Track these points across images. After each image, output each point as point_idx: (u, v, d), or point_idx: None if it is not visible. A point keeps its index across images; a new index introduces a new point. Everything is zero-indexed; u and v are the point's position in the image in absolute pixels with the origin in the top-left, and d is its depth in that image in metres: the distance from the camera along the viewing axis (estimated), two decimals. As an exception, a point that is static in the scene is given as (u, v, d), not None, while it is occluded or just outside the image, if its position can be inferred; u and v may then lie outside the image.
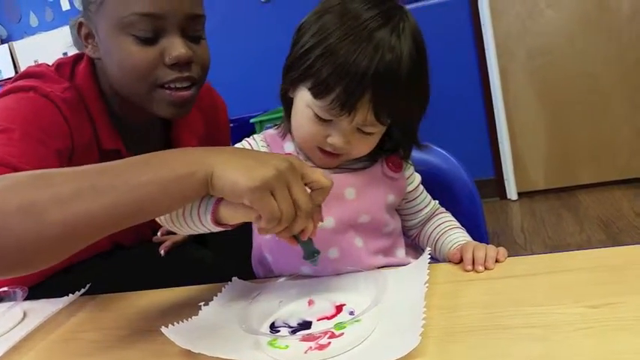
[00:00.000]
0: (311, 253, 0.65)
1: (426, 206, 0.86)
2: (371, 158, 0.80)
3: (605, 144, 2.75)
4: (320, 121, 0.72)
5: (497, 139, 2.85)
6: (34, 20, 3.53)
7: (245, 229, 0.84)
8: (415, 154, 0.97)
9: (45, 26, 3.48)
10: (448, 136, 2.79)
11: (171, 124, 1.05)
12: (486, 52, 2.74)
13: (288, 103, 0.78)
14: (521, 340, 0.51)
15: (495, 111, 2.81)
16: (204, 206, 0.62)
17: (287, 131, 0.80)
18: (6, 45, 3.45)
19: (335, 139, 0.72)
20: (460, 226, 0.85)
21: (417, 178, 0.86)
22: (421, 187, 0.86)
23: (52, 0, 3.46)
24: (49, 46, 3.36)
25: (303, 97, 0.73)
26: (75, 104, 0.91)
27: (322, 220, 0.65)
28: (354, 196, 0.77)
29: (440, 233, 0.83)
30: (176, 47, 0.84)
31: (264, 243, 0.81)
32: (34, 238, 0.55)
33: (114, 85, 0.92)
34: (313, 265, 0.66)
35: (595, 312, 0.53)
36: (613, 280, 0.59)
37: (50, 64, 0.98)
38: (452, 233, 0.82)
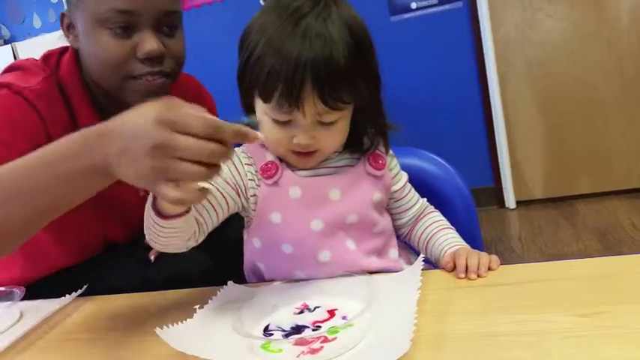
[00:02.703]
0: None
1: (414, 204, 0.86)
2: (353, 156, 0.80)
3: (604, 154, 2.75)
4: (280, 125, 0.72)
5: (496, 147, 2.86)
6: (37, 21, 3.54)
7: (238, 238, 0.84)
8: (412, 161, 0.98)
9: (48, 27, 3.49)
10: (447, 144, 2.81)
11: None
12: (486, 60, 2.75)
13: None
14: (511, 348, 0.51)
15: (494, 119, 2.82)
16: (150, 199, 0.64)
17: None
18: (9, 46, 3.45)
19: (300, 138, 0.72)
20: (450, 225, 0.85)
21: (404, 176, 0.86)
22: (409, 185, 0.86)
23: (56, 1, 3.47)
24: (52, 47, 3.37)
25: (259, 106, 0.74)
26: (51, 94, 0.93)
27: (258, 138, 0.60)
28: (339, 197, 0.77)
29: (430, 234, 0.84)
30: (148, 43, 0.87)
31: (255, 252, 0.81)
32: None
33: (91, 74, 0.95)
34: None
35: (585, 321, 0.54)
36: (603, 290, 0.60)
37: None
38: (442, 234, 0.82)
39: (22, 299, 0.85)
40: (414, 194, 0.87)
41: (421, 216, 0.87)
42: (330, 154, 0.78)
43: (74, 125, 0.95)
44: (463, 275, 0.69)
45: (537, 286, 0.63)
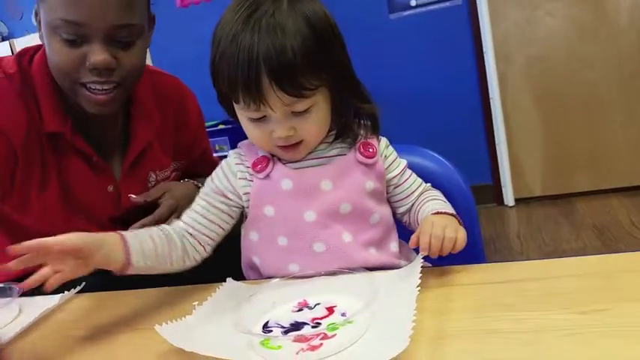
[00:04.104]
0: None
1: (415, 189, 0.83)
2: (343, 145, 0.80)
3: (603, 152, 2.76)
4: (256, 122, 0.73)
5: (494, 144, 2.86)
6: (35, 18, 3.54)
7: (234, 235, 0.85)
8: (411, 158, 0.97)
9: (46, 24, 3.48)
10: (446, 141, 2.80)
11: (130, 115, 1.07)
12: (485, 58, 2.75)
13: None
14: (510, 345, 0.51)
15: (493, 117, 2.82)
16: None
17: None
18: (7, 42, 3.45)
19: (278, 132, 0.72)
20: (442, 198, 0.81)
21: (402, 163, 0.84)
22: (408, 171, 0.84)
23: (54, -2, 3.46)
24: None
25: (235, 107, 0.75)
26: (12, 90, 0.94)
27: None
28: (330, 187, 0.77)
29: (419, 211, 0.80)
30: (96, 54, 0.88)
31: (252, 246, 0.82)
32: None
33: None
34: None
35: (584, 318, 0.54)
36: (602, 287, 0.60)
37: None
38: (427, 206, 0.79)
39: (21, 295, 0.85)
40: (414, 179, 0.84)
41: (419, 198, 0.83)
42: (316, 143, 0.78)
43: (41, 124, 0.96)
44: (426, 253, 0.68)
45: (536, 284, 0.63)
